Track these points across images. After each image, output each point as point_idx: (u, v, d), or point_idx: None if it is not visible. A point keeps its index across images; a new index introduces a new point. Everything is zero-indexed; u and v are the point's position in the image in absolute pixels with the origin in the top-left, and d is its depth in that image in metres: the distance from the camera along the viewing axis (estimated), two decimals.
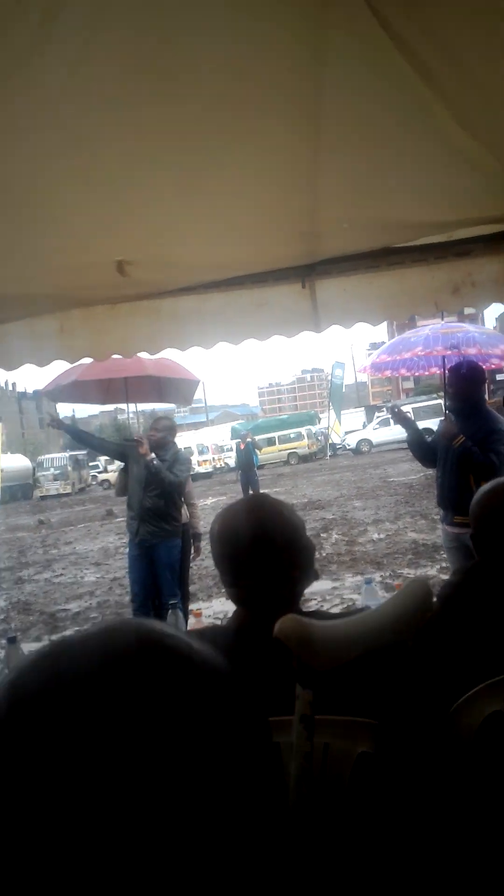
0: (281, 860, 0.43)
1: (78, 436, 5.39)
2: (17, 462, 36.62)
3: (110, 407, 7.42)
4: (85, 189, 2.02)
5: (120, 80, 1.57)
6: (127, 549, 5.21)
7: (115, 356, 3.22)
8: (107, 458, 36.91)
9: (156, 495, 4.81)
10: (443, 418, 4.20)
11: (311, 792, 0.84)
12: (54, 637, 6.53)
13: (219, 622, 6.02)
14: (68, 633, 5.79)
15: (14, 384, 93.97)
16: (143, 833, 0.34)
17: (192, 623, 2.88)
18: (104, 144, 1.84)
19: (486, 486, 1.78)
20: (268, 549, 1.39)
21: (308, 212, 2.30)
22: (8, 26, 1.33)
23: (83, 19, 1.35)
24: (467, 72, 1.69)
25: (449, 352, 4.59)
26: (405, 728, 1.32)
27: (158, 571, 4.88)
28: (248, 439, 15.94)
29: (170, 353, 3.33)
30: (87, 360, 3.40)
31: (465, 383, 4.02)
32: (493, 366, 4.94)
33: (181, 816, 0.36)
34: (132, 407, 6.39)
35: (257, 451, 17.27)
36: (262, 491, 14.98)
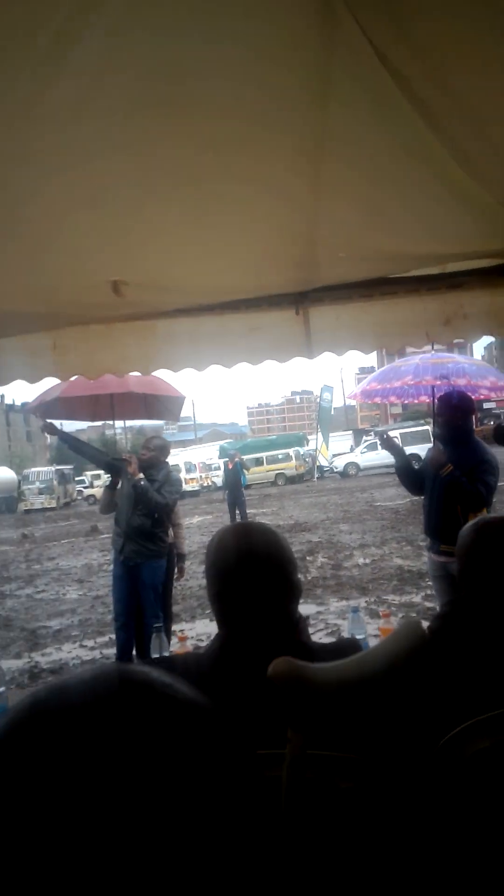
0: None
1: (72, 443, 5.33)
2: (3, 474, 36.44)
3: (98, 423, 7.42)
4: (84, 209, 2.04)
5: (126, 109, 1.59)
6: (111, 567, 5.15)
7: (107, 375, 3.22)
8: (93, 473, 36.93)
9: (143, 514, 4.77)
10: (431, 446, 4.22)
11: (303, 835, 0.84)
12: (34, 654, 6.45)
13: (202, 643, 5.97)
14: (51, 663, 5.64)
15: (2, 396, 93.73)
16: (126, 867, 0.35)
17: (176, 645, 2.86)
18: (106, 166, 1.85)
19: (471, 523, 1.81)
20: (261, 570, 1.40)
21: (305, 241, 2.33)
22: (14, 46, 1.35)
23: (94, 48, 1.37)
24: (467, 112, 1.72)
25: (439, 382, 4.64)
26: (391, 764, 1.31)
27: (142, 592, 4.82)
28: (237, 459, 15.93)
29: (162, 374, 3.34)
30: (73, 378, 3.39)
31: (454, 412, 4.05)
32: (481, 396, 4.98)
33: (165, 851, 0.36)
34: (120, 423, 6.38)
35: (245, 471, 17.24)
36: (248, 511, 14.96)
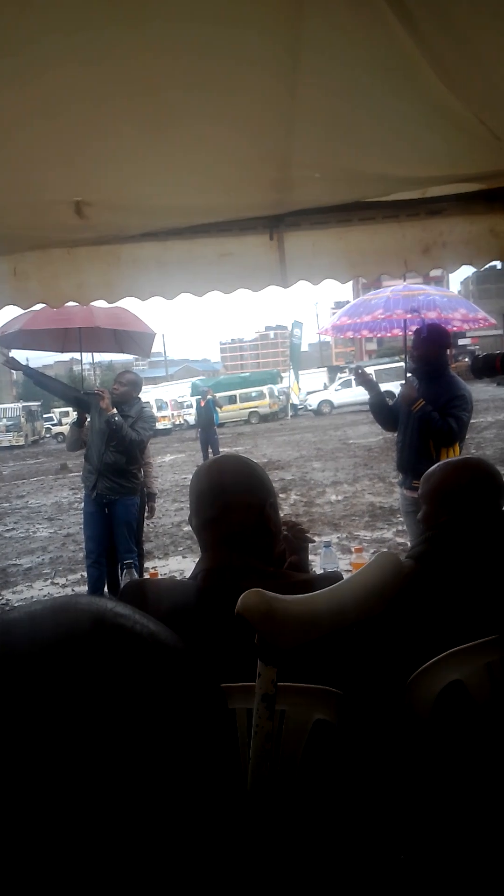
0: (238, 839, 0.41)
1: (38, 378, 5.11)
2: None
3: (66, 357, 7.19)
4: (38, 122, 1.88)
5: (91, 18, 1.44)
6: (82, 505, 5.08)
7: (70, 303, 3.07)
8: (62, 410, 36.52)
9: (116, 451, 4.68)
10: (403, 382, 4.17)
11: (271, 773, 0.80)
12: (5, 592, 6.44)
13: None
14: (15, 601, 5.71)
15: None
16: (95, 813, 0.33)
17: None
18: (64, 75, 1.69)
19: (435, 466, 1.83)
20: (235, 500, 1.40)
21: (280, 158, 2.20)
22: None
23: None
24: (457, 30, 1.60)
25: (409, 315, 4.56)
26: (364, 696, 1.29)
27: (115, 529, 4.79)
28: (209, 396, 15.78)
29: (130, 303, 3.20)
30: (40, 307, 3.24)
31: (429, 346, 3.98)
32: (454, 329, 4.92)
33: (132, 794, 0.34)
34: (88, 357, 6.20)
35: (218, 410, 17.14)
36: (221, 449, 14.96)
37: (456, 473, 1.80)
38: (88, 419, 4.94)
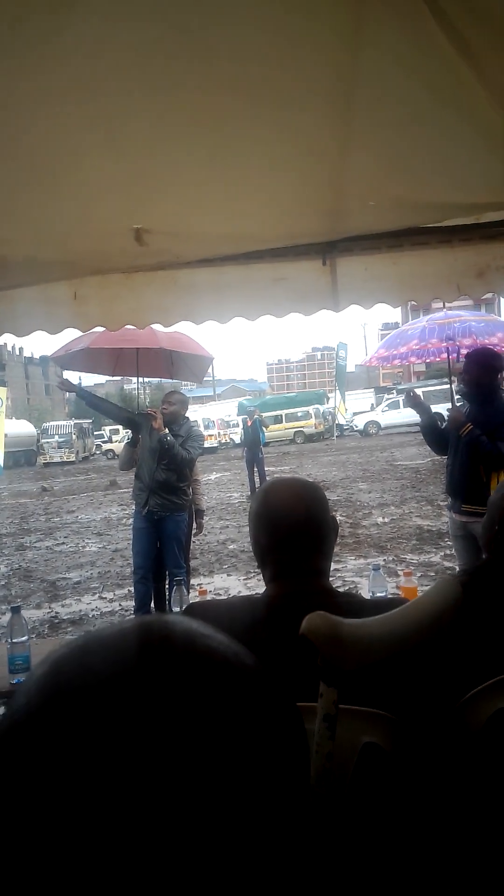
0: (302, 857, 0.41)
1: (90, 399, 5.27)
2: (22, 428, 36.69)
3: (117, 377, 7.38)
4: (106, 155, 1.97)
5: (148, 46, 1.51)
6: (132, 520, 5.17)
7: (128, 326, 3.16)
8: (112, 428, 37.09)
9: (167, 468, 4.78)
10: (451, 406, 4.16)
11: (331, 792, 0.82)
12: (54, 605, 6.56)
13: (220, 598, 6.03)
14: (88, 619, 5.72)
15: (21, 349, 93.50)
16: (173, 838, 0.33)
17: (196, 600, 2.86)
18: (128, 111, 1.78)
19: (499, 490, 1.79)
20: (302, 527, 1.40)
21: (334, 188, 2.24)
22: None
23: None
24: None
25: (444, 343, 4.56)
26: (413, 721, 1.30)
27: (165, 544, 4.86)
28: (256, 416, 15.85)
29: (184, 326, 3.28)
30: (100, 329, 3.34)
31: (479, 370, 3.95)
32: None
33: (210, 818, 0.34)
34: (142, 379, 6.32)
35: (264, 429, 17.20)
36: (267, 469, 14.98)
37: None
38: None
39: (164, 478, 4.78)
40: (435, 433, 4.26)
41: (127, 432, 5.29)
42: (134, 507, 5.04)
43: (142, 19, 1.44)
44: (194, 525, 5.42)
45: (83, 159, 1.98)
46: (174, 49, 1.55)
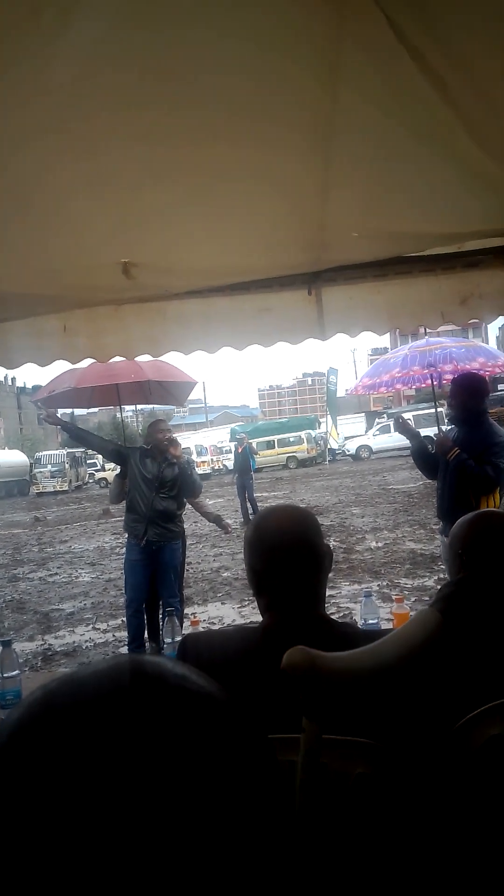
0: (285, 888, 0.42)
1: (75, 433, 5.26)
2: (15, 458, 36.64)
3: (111, 405, 7.38)
4: (92, 191, 2.01)
5: (131, 83, 1.56)
6: (125, 552, 5.14)
7: (117, 358, 3.19)
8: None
9: (168, 497, 4.77)
10: (448, 428, 4.20)
11: (316, 827, 0.82)
12: (48, 637, 6.50)
13: (214, 627, 5.99)
14: (63, 640, 5.66)
15: (13, 379, 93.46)
16: (137, 862, 0.35)
17: (188, 630, 2.85)
18: (114, 147, 1.82)
19: (465, 518, 1.84)
20: (297, 555, 1.41)
21: (317, 221, 2.29)
22: (18, 28, 1.31)
23: (94, 23, 1.33)
24: (483, 87, 1.68)
25: (425, 370, 4.65)
26: (405, 749, 1.30)
27: (162, 574, 4.84)
28: (245, 443, 15.90)
29: (173, 356, 3.31)
30: (88, 362, 3.38)
31: (466, 394, 3.99)
32: (487, 374, 5.01)
33: (176, 844, 0.36)
34: (131, 406, 6.38)
35: (254, 455, 17.23)
36: (260, 494, 14.97)
37: (472, 528, 1.80)
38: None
39: (164, 507, 4.76)
40: (425, 457, 4.29)
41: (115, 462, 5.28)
42: (127, 539, 5.00)
43: (126, 62, 1.49)
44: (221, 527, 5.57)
45: (71, 195, 2.01)
46: (157, 92, 1.60)
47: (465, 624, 1.57)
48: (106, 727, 0.38)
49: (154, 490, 4.74)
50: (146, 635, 4.94)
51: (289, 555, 1.41)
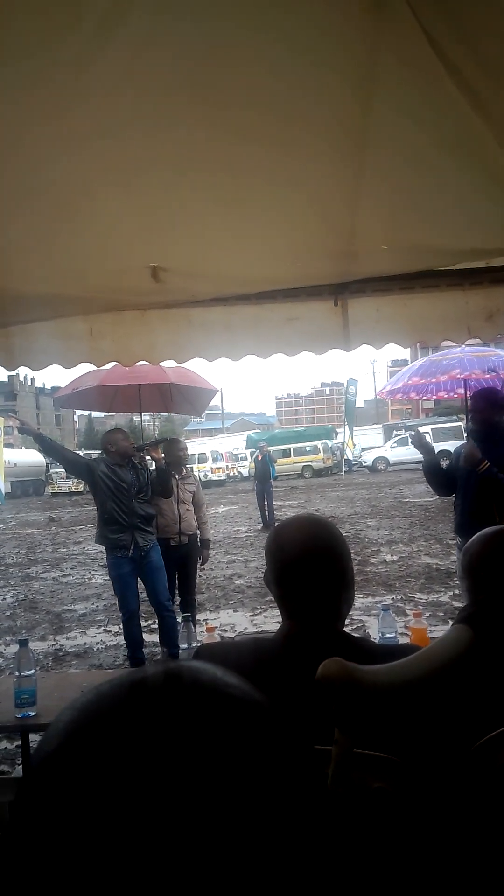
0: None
1: (47, 444, 5.02)
2: (31, 458, 36.82)
3: (130, 411, 7.40)
4: (119, 194, 2.03)
5: (167, 93, 1.57)
6: (110, 570, 5.06)
7: (141, 362, 3.21)
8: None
9: (145, 500, 4.85)
10: (463, 442, 4.16)
11: (343, 838, 0.81)
12: (59, 637, 6.51)
13: (226, 634, 5.98)
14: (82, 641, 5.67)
15: (33, 379, 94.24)
16: (183, 872, 0.34)
17: (203, 636, 2.85)
18: (149, 154, 1.84)
19: (482, 533, 1.79)
20: (323, 565, 1.39)
21: (347, 232, 2.29)
22: (62, 36, 1.33)
23: (136, 32, 1.35)
24: None
25: (487, 375, 4.58)
26: (425, 766, 1.28)
27: (155, 575, 4.87)
28: (265, 451, 15.94)
29: (196, 363, 3.33)
30: (111, 365, 3.39)
31: (490, 408, 3.97)
32: None
33: (225, 857, 0.35)
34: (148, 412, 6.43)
35: (274, 463, 17.26)
36: (274, 503, 14.96)
37: (491, 545, 1.74)
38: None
39: (145, 512, 4.84)
40: (437, 474, 4.25)
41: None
42: (108, 556, 4.93)
43: (162, 69, 1.50)
44: (199, 557, 5.44)
45: (102, 198, 2.03)
46: (193, 98, 1.61)
47: (490, 643, 1.55)
48: (164, 732, 0.38)
49: (132, 497, 4.78)
50: (145, 640, 5.00)
51: (313, 562, 1.39)
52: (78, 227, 2.19)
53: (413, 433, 4.68)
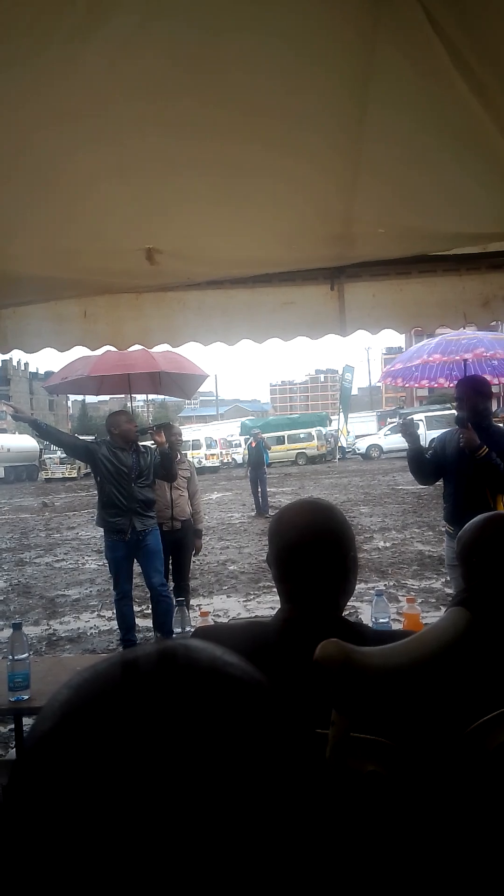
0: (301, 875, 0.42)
1: (44, 430, 5.06)
2: (25, 443, 36.75)
3: (120, 394, 7.34)
4: (114, 174, 2.00)
5: (164, 73, 1.55)
6: (106, 552, 5.06)
7: (135, 346, 3.19)
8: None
9: (145, 485, 4.83)
10: (446, 430, 4.17)
11: (338, 821, 0.81)
12: (52, 622, 6.52)
13: (219, 619, 5.99)
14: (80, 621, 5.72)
15: (26, 364, 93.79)
16: (185, 851, 0.34)
17: (198, 621, 2.85)
18: (144, 135, 1.81)
19: (477, 519, 1.80)
20: (323, 550, 1.39)
21: (344, 216, 2.27)
22: (55, 13, 1.31)
23: (131, 10, 1.32)
24: None
25: (469, 354, 4.60)
26: (420, 749, 1.29)
27: (151, 558, 4.88)
28: (259, 437, 15.95)
29: (191, 347, 3.31)
30: (106, 348, 3.37)
31: (476, 395, 3.96)
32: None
33: (222, 833, 0.35)
34: (142, 396, 6.43)
35: (267, 450, 17.27)
36: (268, 489, 14.98)
37: (484, 532, 1.75)
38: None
39: (145, 496, 4.83)
40: (421, 463, 4.24)
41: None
42: (106, 538, 4.94)
43: (156, 52, 1.48)
44: (192, 545, 5.45)
45: (96, 179, 2.01)
46: (187, 85, 1.59)
47: (487, 625, 1.55)
48: (159, 711, 0.38)
49: (132, 481, 4.76)
50: (136, 624, 5.04)
51: (314, 546, 1.39)
52: (71, 209, 2.16)
53: (401, 420, 4.67)
